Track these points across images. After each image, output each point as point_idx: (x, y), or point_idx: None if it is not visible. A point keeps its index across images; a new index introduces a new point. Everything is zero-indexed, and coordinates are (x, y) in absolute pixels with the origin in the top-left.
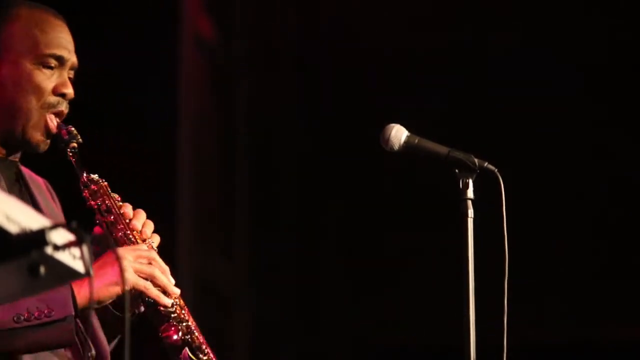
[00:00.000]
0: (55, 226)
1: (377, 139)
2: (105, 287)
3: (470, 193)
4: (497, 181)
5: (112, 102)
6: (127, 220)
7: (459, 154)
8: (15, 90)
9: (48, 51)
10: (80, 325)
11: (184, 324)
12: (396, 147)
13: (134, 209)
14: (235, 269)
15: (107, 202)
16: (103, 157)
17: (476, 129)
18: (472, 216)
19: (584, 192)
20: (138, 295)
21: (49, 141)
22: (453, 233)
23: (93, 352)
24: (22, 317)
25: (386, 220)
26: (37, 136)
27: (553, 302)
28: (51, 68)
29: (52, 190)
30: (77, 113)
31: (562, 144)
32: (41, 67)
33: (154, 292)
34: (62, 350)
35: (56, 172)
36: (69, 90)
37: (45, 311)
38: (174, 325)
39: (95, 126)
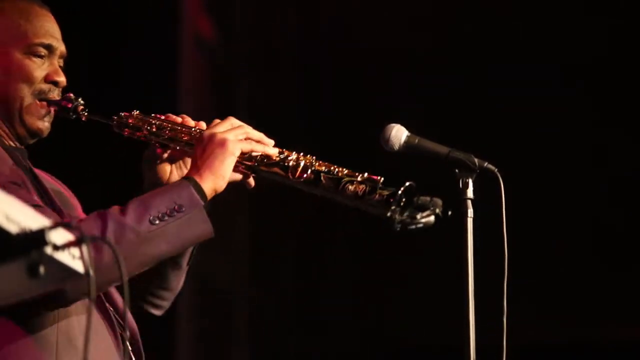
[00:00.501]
0: (54, 226)
1: (377, 139)
2: (222, 164)
3: (470, 193)
4: (497, 181)
5: (112, 102)
6: (181, 125)
7: (459, 154)
8: (8, 81)
9: (37, 40)
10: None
11: (301, 161)
12: (396, 147)
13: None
14: (235, 267)
15: (153, 122)
16: (103, 157)
17: (476, 129)
18: (472, 216)
19: (584, 192)
20: (247, 168)
21: (48, 124)
22: (453, 233)
23: (128, 333)
24: (155, 218)
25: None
26: (35, 122)
27: (553, 302)
28: (41, 57)
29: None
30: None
31: (562, 143)
32: (31, 56)
33: (260, 148)
34: (103, 328)
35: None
36: (62, 78)
37: (175, 208)
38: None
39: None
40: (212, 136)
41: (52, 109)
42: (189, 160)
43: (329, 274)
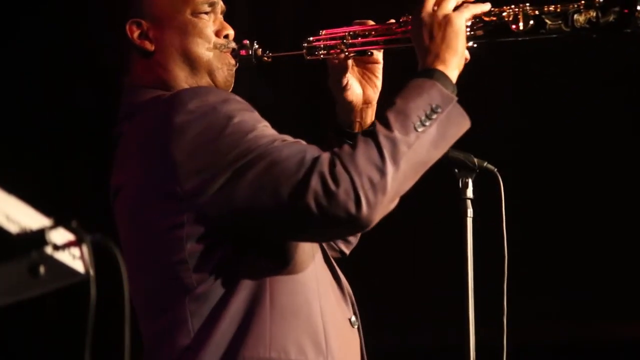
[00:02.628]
0: (54, 226)
1: None
2: (459, 42)
3: (469, 193)
4: (497, 181)
5: (111, 102)
6: (370, 27)
7: (458, 154)
8: (187, 41)
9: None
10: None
11: (517, 9)
12: None
13: None
14: None
15: (345, 34)
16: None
17: (476, 129)
18: (472, 216)
19: (584, 191)
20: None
21: (233, 77)
22: (452, 233)
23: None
24: (418, 124)
25: (386, 219)
26: (226, 74)
27: (553, 302)
28: (207, 13)
29: None
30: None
31: (562, 143)
32: (199, 15)
33: (479, 9)
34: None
35: None
36: (231, 31)
37: (430, 109)
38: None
39: (95, 126)
40: (433, 16)
41: (233, 62)
42: (374, 67)
43: None
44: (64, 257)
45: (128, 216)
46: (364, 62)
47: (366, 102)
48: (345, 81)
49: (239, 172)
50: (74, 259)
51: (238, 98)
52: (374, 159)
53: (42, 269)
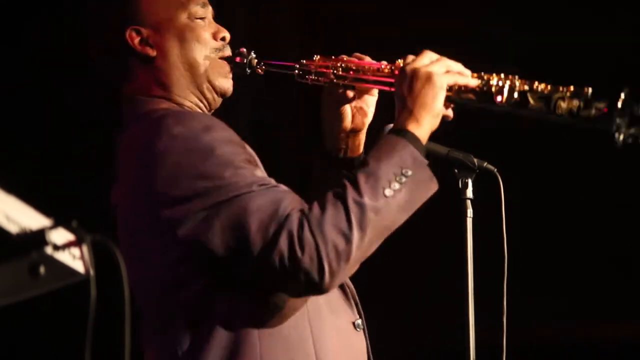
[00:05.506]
0: (55, 226)
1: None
2: (435, 101)
3: (469, 193)
4: (497, 181)
5: (111, 102)
6: (365, 64)
7: (458, 154)
8: (186, 47)
9: (194, 2)
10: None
11: (506, 82)
12: None
13: None
14: None
15: (338, 65)
16: (101, 157)
17: (476, 129)
18: (472, 216)
19: (584, 191)
20: (450, 99)
21: (231, 83)
22: (452, 233)
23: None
24: (388, 190)
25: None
26: (223, 82)
27: (553, 302)
28: (202, 18)
29: None
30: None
31: (562, 143)
32: (195, 19)
33: (462, 80)
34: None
35: None
36: (227, 34)
37: (400, 173)
38: (496, 88)
39: (94, 127)
40: (416, 71)
41: (229, 69)
42: (367, 98)
43: None
44: (64, 257)
45: (124, 233)
46: (360, 92)
47: (355, 129)
48: (342, 111)
49: (214, 212)
50: (74, 259)
51: (222, 125)
52: (341, 225)
53: (42, 269)
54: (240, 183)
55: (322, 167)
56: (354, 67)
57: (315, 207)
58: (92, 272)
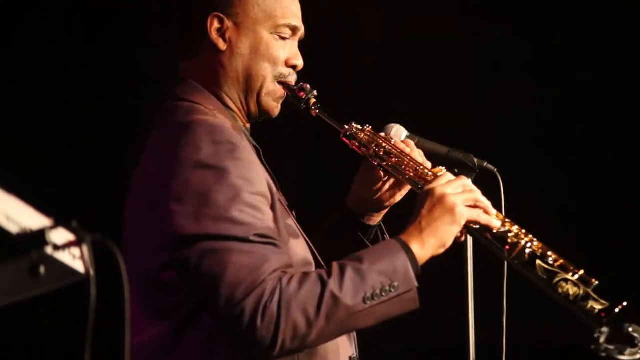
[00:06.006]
0: (55, 226)
1: None
2: (447, 232)
3: None
4: (497, 181)
5: (111, 102)
6: (409, 156)
7: (458, 154)
8: (254, 58)
9: (285, 21)
10: None
11: (523, 238)
12: None
13: None
14: None
15: (382, 145)
16: (101, 157)
17: (476, 128)
18: None
19: (584, 191)
20: (468, 230)
21: (279, 108)
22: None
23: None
24: (369, 297)
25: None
26: (271, 104)
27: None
28: (285, 39)
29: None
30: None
31: (562, 143)
32: (277, 37)
33: (485, 219)
34: None
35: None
36: (301, 62)
37: (388, 285)
38: (512, 240)
39: (94, 127)
40: (443, 197)
41: (283, 93)
42: (406, 187)
43: None
44: (64, 257)
45: (129, 218)
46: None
47: (380, 204)
48: (380, 184)
49: (203, 242)
50: (74, 259)
51: (248, 149)
52: (309, 310)
53: (42, 269)
54: (237, 225)
55: (336, 218)
56: (396, 156)
57: (294, 282)
58: (92, 272)
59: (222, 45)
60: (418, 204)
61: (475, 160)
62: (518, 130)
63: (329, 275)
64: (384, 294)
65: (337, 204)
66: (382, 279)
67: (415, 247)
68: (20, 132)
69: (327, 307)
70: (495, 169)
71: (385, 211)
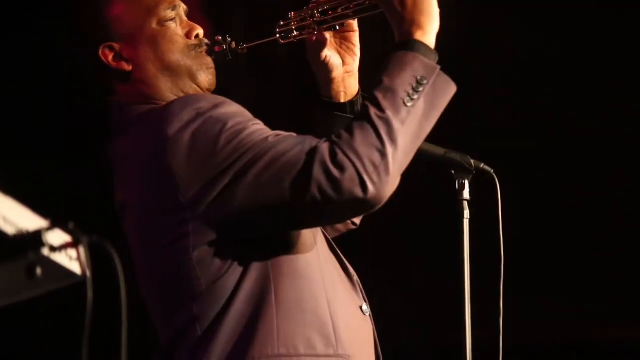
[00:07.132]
0: (51, 227)
1: None
2: (434, 19)
3: (466, 194)
4: (494, 182)
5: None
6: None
7: (455, 155)
8: (161, 55)
9: (160, 9)
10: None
11: None
12: None
13: None
14: None
15: (314, 12)
16: (100, 158)
17: (473, 129)
18: (469, 217)
19: (582, 192)
20: None
21: (215, 72)
22: (449, 234)
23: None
24: (408, 99)
25: (384, 220)
26: (208, 76)
27: (549, 302)
28: (173, 19)
29: None
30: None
31: (560, 144)
32: (165, 24)
33: None
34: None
35: None
36: (200, 30)
37: (418, 80)
38: None
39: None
40: None
41: (210, 61)
42: (349, 35)
43: None
44: (60, 258)
45: (135, 231)
46: (340, 32)
47: (347, 71)
48: (324, 55)
49: (238, 174)
50: (71, 261)
51: (228, 101)
52: (373, 141)
53: (38, 271)
54: (258, 139)
55: (324, 116)
56: (331, 6)
57: (343, 133)
58: (88, 273)
59: (126, 67)
60: (387, 12)
61: (472, 161)
62: (516, 131)
63: (364, 109)
64: (417, 91)
65: (314, 105)
66: (408, 79)
67: (417, 36)
68: (17, 133)
69: (385, 131)
70: (492, 171)
71: (357, 76)
